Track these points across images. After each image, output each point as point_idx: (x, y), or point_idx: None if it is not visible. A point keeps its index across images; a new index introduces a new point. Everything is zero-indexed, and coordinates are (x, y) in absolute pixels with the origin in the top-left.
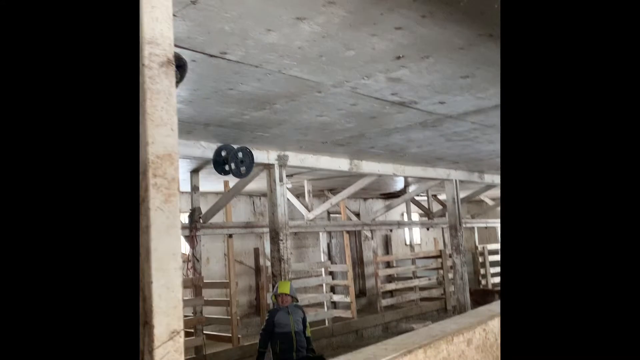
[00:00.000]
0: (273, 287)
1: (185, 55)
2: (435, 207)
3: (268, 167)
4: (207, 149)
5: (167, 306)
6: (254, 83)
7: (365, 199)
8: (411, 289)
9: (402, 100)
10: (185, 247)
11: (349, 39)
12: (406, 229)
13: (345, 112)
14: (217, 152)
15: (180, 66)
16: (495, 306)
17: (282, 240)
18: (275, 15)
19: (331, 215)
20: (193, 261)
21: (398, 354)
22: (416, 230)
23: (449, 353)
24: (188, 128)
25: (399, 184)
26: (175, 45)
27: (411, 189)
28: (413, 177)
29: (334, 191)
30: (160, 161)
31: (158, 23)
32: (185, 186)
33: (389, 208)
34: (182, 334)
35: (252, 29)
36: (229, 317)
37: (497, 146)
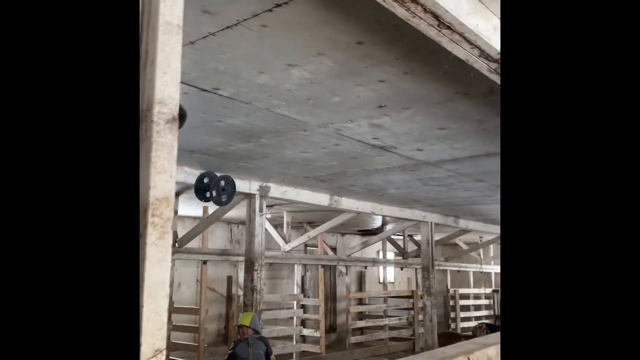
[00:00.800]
0: None
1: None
2: (411, 247)
3: (249, 196)
4: (190, 175)
5: (154, 328)
6: (243, 117)
7: (343, 234)
8: (381, 327)
9: (382, 144)
10: None
11: (335, 87)
12: (381, 267)
13: (329, 150)
14: (200, 179)
15: (181, 116)
16: (450, 349)
17: (256, 270)
18: (267, 61)
19: (308, 247)
20: None
21: None
22: (390, 269)
23: None
24: None
25: (377, 222)
26: None
27: (388, 227)
28: (390, 217)
29: (312, 224)
30: (159, 203)
31: (167, 86)
32: None
33: (365, 245)
34: (165, 352)
35: (244, 70)
36: (197, 344)
37: (472, 193)
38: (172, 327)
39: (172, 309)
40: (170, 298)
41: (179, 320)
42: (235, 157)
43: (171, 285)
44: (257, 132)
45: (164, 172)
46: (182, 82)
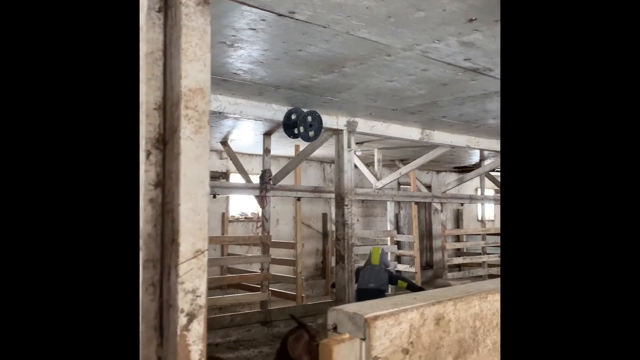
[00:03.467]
0: (337, 250)
1: (255, 13)
2: None
3: (337, 132)
4: (278, 112)
5: (193, 227)
6: (322, 44)
7: (437, 172)
8: (479, 264)
9: (475, 66)
10: (256, 207)
11: None
12: (479, 204)
13: (416, 77)
14: (287, 115)
15: None
16: None
17: (347, 205)
18: None
19: (401, 186)
20: (262, 220)
21: (426, 303)
22: (489, 206)
23: (482, 309)
24: (259, 89)
25: (474, 157)
26: (243, 3)
27: (486, 162)
28: (489, 151)
29: (404, 161)
30: (192, 94)
31: None
32: (258, 149)
33: (461, 181)
34: (207, 254)
35: None
36: (295, 277)
37: None
38: (271, 260)
39: (270, 243)
40: (269, 233)
41: (278, 254)
42: (320, 90)
43: (268, 220)
44: (339, 60)
45: (196, 60)
46: (256, 7)
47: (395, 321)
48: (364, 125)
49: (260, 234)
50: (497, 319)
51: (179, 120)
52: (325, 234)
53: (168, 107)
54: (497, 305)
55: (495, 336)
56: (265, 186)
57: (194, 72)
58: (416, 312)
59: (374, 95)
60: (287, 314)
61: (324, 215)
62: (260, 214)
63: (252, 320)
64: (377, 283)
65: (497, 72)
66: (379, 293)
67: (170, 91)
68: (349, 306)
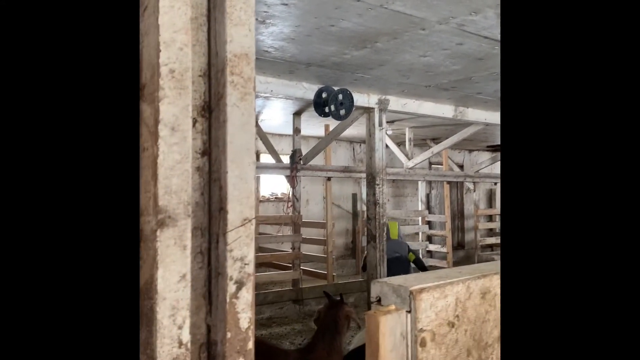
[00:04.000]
0: (368, 229)
1: None
2: None
3: (368, 110)
4: (308, 90)
5: (241, 195)
6: (355, 19)
7: (470, 151)
8: None
9: None
10: (286, 187)
11: None
12: None
13: (451, 52)
14: (318, 94)
15: None
16: None
17: (378, 184)
18: None
19: (433, 165)
20: (293, 200)
21: (472, 276)
22: None
23: None
24: (290, 67)
25: None
26: None
27: None
28: None
29: (436, 140)
30: (238, 60)
31: None
32: (288, 129)
33: (494, 161)
34: (254, 222)
35: None
36: (325, 256)
37: None
38: (302, 240)
39: (301, 223)
40: (299, 212)
41: (308, 234)
42: (352, 67)
43: (299, 200)
44: (372, 35)
45: (241, 24)
46: None
47: (440, 294)
48: (396, 103)
49: (290, 214)
50: None
51: (224, 87)
52: (355, 214)
53: (213, 74)
54: None
55: None
56: (296, 166)
57: (239, 36)
58: (462, 285)
59: (407, 72)
60: (321, 291)
61: (354, 196)
62: (290, 194)
63: (284, 298)
64: (401, 252)
65: None
66: (406, 261)
67: (215, 57)
68: (393, 279)
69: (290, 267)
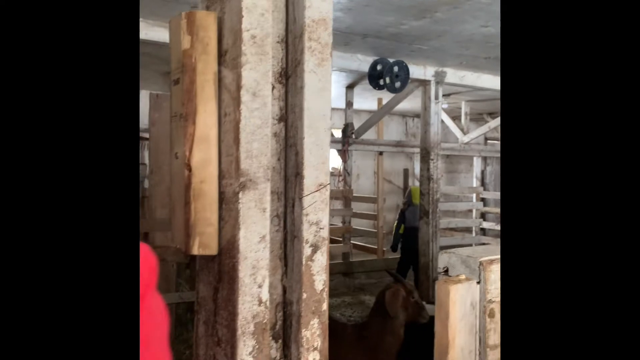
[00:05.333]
0: (421, 205)
1: None
2: None
3: (424, 83)
4: (363, 62)
5: (316, 161)
6: None
7: None
8: None
9: None
10: (337, 161)
11: None
12: None
13: None
14: (373, 66)
15: None
16: None
17: (432, 159)
18: None
19: (489, 140)
20: (344, 174)
21: None
22: None
23: None
24: (345, 39)
25: None
26: None
27: None
28: None
29: (493, 115)
30: (316, 25)
31: None
32: (340, 102)
33: None
34: (328, 188)
35: None
36: (376, 230)
37: None
38: (352, 214)
39: (352, 197)
40: (350, 187)
41: (359, 208)
42: (409, 38)
43: (350, 174)
44: (432, 4)
45: None
46: None
47: None
48: (453, 75)
49: (342, 188)
50: None
51: (302, 53)
52: (406, 189)
53: (290, 40)
54: None
55: None
56: (347, 140)
57: (317, 1)
58: None
59: (466, 42)
60: (371, 265)
61: (405, 171)
62: (342, 169)
63: (334, 271)
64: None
65: None
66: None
67: (293, 23)
68: (461, 250)
69: (341, 240)
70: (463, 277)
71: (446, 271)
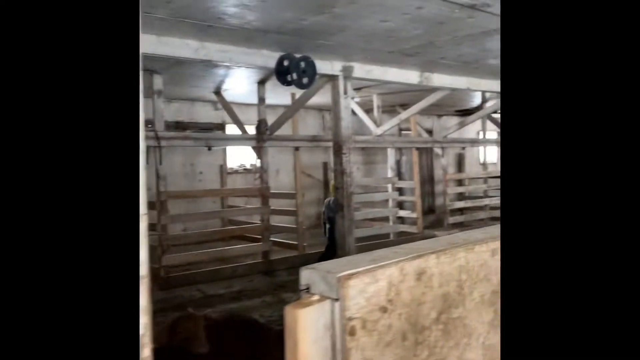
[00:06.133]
0: (336, 199)
1: None
2: None
3: (332, 78)
4: (269, 58)
5: None
6: None
7: (439, 116)
8: (481, 208)
9: (472, 2)
10: (253, 158)
11: None
12: (481, 148)
13: (411, 16)
14: (279, 62)
15: None
16: None
17: (345, 153)
18: None
19: (402, 131)
20: (261, 172)
21: (406, 257)
22: (492, 149)
23: (468, 261)
24: (247, 35)
25: (476, 100)
26: None
27: (488, 105)
28: (490, 92)
29: (404, 106)
30: None
31: None
32: (253, 98)
33: (462, 125)
34: None
35: None
36: (296, 227)
37: None
38: (270, 211)
39: (270, 194)
40: (268, 184)
41: (279, 204)
42: (312, 33)
43: (267, 171)
44: (329, 0)
45: None
46: None
47: (372, 279)
48: (360, 69)
49: (259, 186)
50: (484, 271)
51: None
52: (326, 183)
53: None
54: (485, 256)
55: (483, 288)
56: (262, 137)
57: None
58: (395, 267)
59: (369, 37)
60: (292, 262)
61: (325, 164)
62: (258, 165)
63: (254, 270)
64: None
65: (495, 8)
66: None
67: None
68: (324, 264)
69: (260, 239)
70: (316, 297)
71: (308, 289)
